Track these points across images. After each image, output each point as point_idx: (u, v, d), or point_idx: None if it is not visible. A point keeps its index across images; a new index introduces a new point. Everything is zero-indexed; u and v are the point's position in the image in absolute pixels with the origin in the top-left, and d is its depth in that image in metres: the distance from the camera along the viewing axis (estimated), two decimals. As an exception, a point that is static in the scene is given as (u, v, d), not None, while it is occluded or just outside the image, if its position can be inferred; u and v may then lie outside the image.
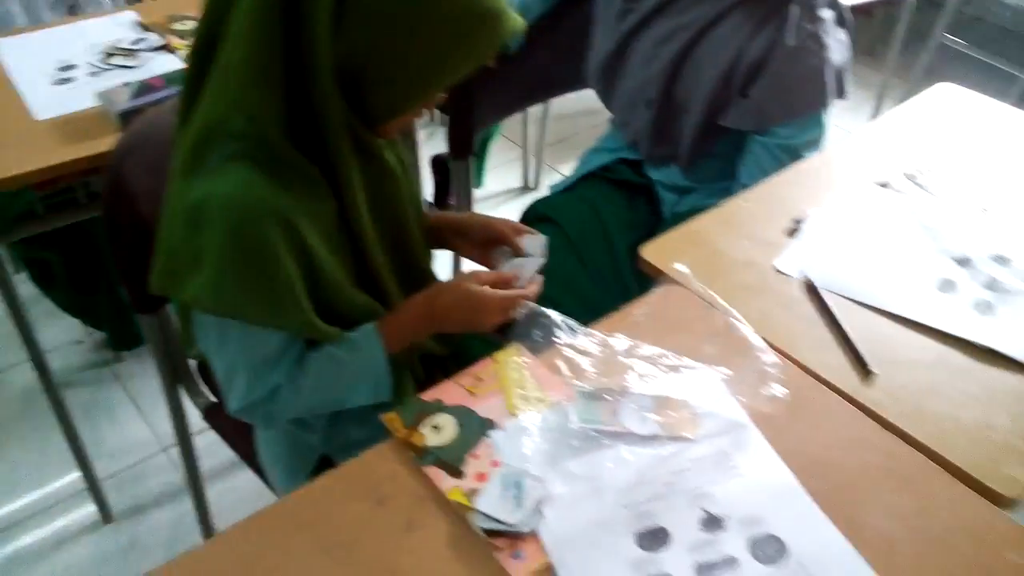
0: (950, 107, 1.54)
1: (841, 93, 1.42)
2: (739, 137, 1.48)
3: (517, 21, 0.90)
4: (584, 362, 0.98)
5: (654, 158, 1.58)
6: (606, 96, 1.63)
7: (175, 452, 1.85)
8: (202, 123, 0.87)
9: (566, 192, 1.67)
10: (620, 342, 1.00)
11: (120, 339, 2.17)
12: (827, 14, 1.39)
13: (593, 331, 1.01)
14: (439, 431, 0.95)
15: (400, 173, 1.06)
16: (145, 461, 2.02)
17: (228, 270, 0.87)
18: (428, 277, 1.18)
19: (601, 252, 1.55)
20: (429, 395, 0.99)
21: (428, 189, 2.62)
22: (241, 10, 0.84)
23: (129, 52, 1.62)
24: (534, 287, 1.08)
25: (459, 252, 1.25)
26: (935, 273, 1.15)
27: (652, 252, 1.19)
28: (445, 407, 0.98)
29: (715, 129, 1.45)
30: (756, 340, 1.01)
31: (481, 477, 0.90)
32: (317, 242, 0.93)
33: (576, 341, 1.00)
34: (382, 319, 1.06)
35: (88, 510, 1.88)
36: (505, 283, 1.08)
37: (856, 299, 1.11)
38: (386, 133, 0.99)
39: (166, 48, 1.64)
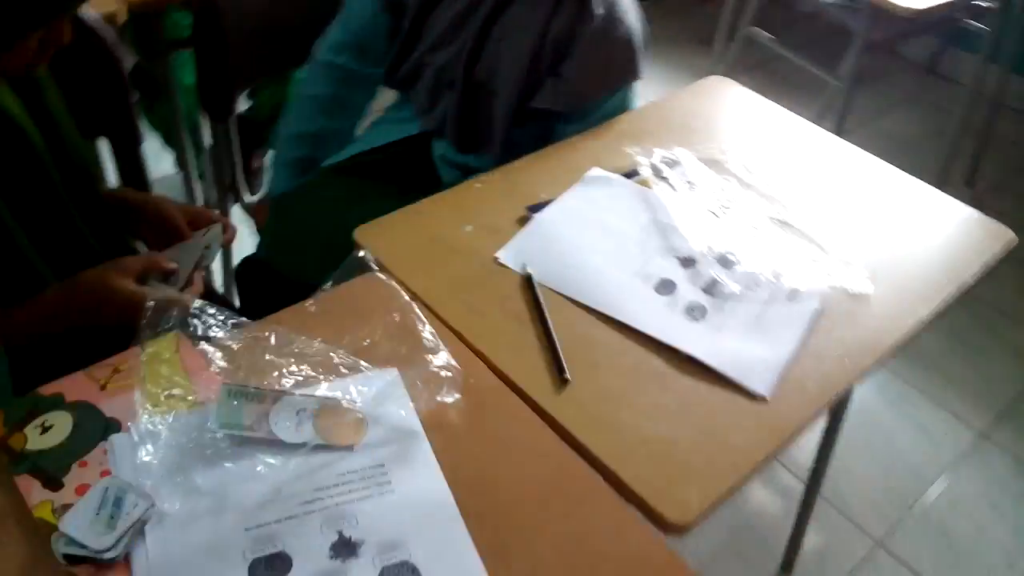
0: (719, 101, 1.49)
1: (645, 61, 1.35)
2: (548, 121, 1.38)
3: None
4: (237, 358, 0.86)
5: (464, 145, 1.43)
6: (399, 82, 1.49)
7: None
8: None
9: (332, 175, 1.50)
10: (283, 336, 0.88)
11: None
12: None
13: (250, 322, 0.89)
14: (48, 432, 0.81)
15: (30, 123, 0.90)
16: None
17: None
18: (92, 250, 1.02)
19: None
20: (51, 388, 0.84)
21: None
22: None
23: None
24: (194, 288, 0.96)
25: (138, 236, 1.10)
26: (658, 272, 1.08)
27: (365, 234, 1.08)
28: (64, 403, 0.83)
29: (527, 112, 1.35)
30: (432, 339, 0.91)
31: (82, 490, 0.76)
32: None
33: (231, 335, 0.87)
34: (4, 310, 0.91)
35: None
36: (159, 270, 0.95)
37: (572, 297, 1.04)
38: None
39: None
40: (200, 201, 1.97)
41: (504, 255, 1.08)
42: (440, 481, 0.82)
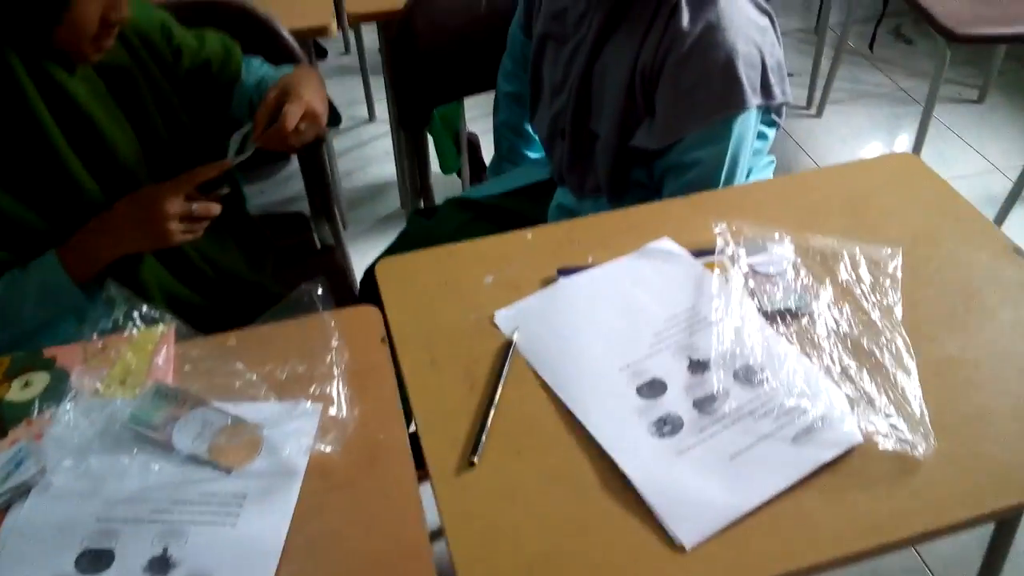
0: (884, 185, 1.20)
1: (769, 92, 1.16)
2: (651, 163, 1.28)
3: None
4: (185, 364, 0.93)
5: (582, 190, 1.39)
6: (536, 129, 1.50)
7: None
8: None
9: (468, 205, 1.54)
10: (231, 352, 0.94)
11: None
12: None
13: (181, 330, 0.96)
14: (26, 388, 0.95)
15: (98, 109, 1.09)
16: None
17: None
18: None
19: None
20: (52, 351, 0.99)
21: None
22: None
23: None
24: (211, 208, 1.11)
25: None
26: (654, 371, 0.94)
27: (385, 267, 1.09)
28: (52, 367, 0.97)
29: (635, 153, 1.27)
30: (339, 388, 0.90)
31: (13, 444, 0.89)
32: None
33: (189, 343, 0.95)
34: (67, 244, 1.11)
35: None
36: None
37: (542, 376, 0.94)
38: (65, 46, 0.99)
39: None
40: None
41: (502, 316, 1.02)
42: (280, 531, 0.81)
